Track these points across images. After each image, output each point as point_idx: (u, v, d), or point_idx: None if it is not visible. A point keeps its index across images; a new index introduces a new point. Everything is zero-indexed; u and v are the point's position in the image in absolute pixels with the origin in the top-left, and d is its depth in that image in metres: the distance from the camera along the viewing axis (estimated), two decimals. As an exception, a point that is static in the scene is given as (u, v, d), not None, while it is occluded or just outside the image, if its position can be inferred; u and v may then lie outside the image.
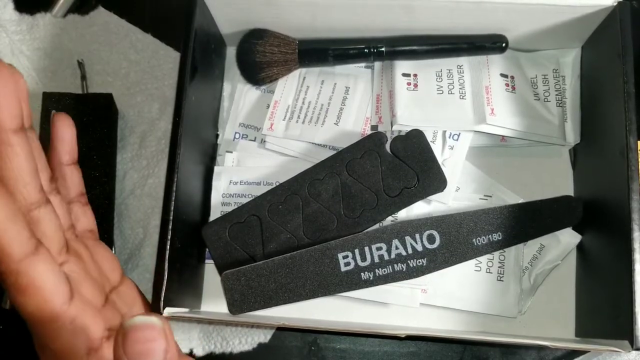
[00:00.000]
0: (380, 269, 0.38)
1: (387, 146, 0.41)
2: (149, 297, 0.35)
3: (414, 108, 0.42)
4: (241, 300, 0.37)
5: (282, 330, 0.43)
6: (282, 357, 0.43)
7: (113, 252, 0.44)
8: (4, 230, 0.22)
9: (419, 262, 0.38)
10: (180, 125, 0.37)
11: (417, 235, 0.38)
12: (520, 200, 0.42)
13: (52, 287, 0.23)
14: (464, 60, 0.44)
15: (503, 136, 0.43)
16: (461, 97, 0.43)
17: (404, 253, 0.38)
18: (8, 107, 0.23)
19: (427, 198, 0.41)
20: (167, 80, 0.48)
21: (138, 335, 0.21)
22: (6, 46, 0.49)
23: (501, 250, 0.41)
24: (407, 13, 0.41)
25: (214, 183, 0.43)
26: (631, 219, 0.35)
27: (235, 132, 0.45)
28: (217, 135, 0.45)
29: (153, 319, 0.22)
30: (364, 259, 0.38)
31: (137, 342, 0.21)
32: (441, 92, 0.43)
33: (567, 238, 0.41)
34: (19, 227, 0.23)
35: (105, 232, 0.43)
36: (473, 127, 0.42)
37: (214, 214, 0.43)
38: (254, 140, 0.45)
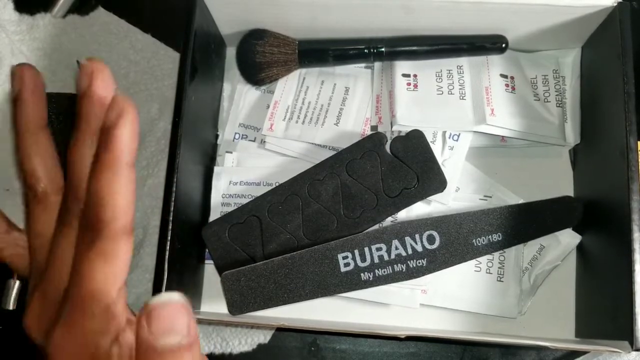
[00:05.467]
0: (380, 269, 0.38)
1: (387, 147, 0.41)
2: (149, 297, 0.35)
3: (414, 108, 0.42)
4: (241, 300, 0.37)
5: (281, 331, 0.43)
6: (282, 358, 0.43)
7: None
8: (127, 199, 0.25)
9: (419, 262, 0.38)
10: (180, 125, 0.37)
11: (417, 236, 0.38)
12: (520, 201, 0.42)
13: (127, 267, 0.26)
14: (463, 61, 0.44)
15: (503, 137, 0.43)
16: (461, 97, 0.43)
17: (403, 253, 0.38)
18: (130, 147, 0.25)
19: (427, 198, 0.41)
20: (167, 81, 0.48)
21: (162, 313, 0.22)
22: (6, 46, 0.49)
23: (501, 251, 0.41)
24: (407, 13, 0.41)
25: (214, 183, 0.43)
26: (631, 219, 0.35)
27: (235, 133, 0.45)
28: (217, 136, 0.45)
29: (175, 295, 0.23)
30: (363, 259, 0.38)
31: (161, 319, 0.22)
32: (441, 92, 0.43)
33: (567, 238, 0.41)
34: (133, 203, 0.25)
35: (105, 233, 0.43)
36: (473, 128, 0.42)
37: (214, 215, 0.43)
38: (254, 141, 0.45)
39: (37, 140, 0.30)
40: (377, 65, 0.45)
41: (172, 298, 0.23)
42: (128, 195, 0.25)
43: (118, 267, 0.25)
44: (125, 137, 0.25)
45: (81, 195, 0.26)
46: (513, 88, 0.43)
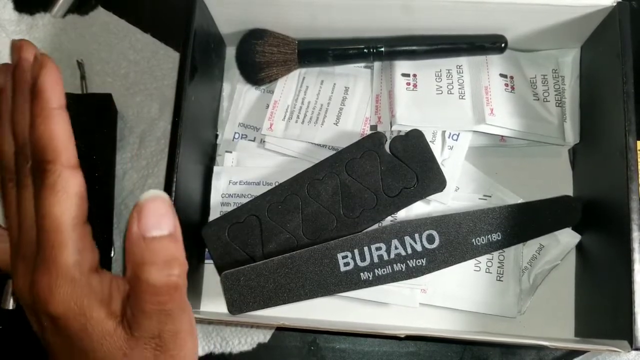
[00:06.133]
0: (379, 269, 0.38)
1: (387, 146, 0.41)
2: None
3: (414, 108, 0.42)
4: (240, 300, 0.37)
5: (281, 330, 0.43)
6: (282, 357, 0.43)
7: (112, 253, 0.44)
8: (63, 137, 0.27)
9: (419, 262, 0.38)
10: (180, 125, 0.37)
11: (417, 235, 0.38)
12: (520, 200, 0.42)
13: (81, 198, 0.27)
14: (463, 61, 0.44)
15: (502, 136, 0.43)
16: (460, 97, 0.43)
17: (403, 253, 0.38)
18: (54, 91, 0.28)
19: (427, 198, 0.41)
20: (167, 80, 0.48)
21: (150, 209, 0.26)
22: (6, 46, 0.49)
23: (500, 251, 0.41)
24: (407, 13, 0.41)
25: (214, 183, 0.43)
26: (630, 219, 0.35)
27: (235, 132, 0.45)
28: (216, 135, 0.45)
29: (161, 193, 0.26)
30: (363, 259, 0.38)
31: (150, 216, 0.25)
32: (440, 92, 0.43)
33: (567, 238, 0.41)
34: (72, 140, 0.28)
35: (105, 232, 0.43)
36: (472, 127, 0.42)
37: (214, 214, 0.43)
38: (254, 140, 0.45)
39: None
40: (377, 65, 0.45)
41: (159, 195, 0.26)
42: (63, 135, 0.27)
43: (70, 198, 0.26)
44: (48, 84, 0.27)
45: (27, 153, 0.28)
46: (512, 88, 0.43)
